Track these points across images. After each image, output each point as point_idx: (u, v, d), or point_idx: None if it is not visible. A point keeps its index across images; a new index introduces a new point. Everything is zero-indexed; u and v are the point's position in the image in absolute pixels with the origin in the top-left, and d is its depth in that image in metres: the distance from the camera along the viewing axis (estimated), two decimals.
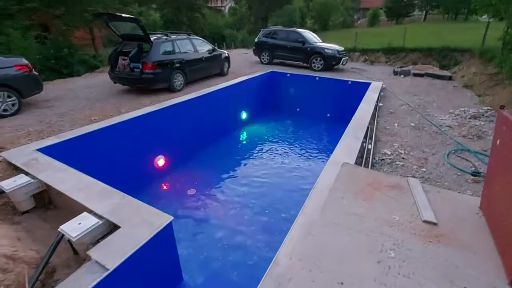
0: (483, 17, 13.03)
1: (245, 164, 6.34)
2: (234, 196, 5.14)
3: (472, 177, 3.19)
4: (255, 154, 6.83)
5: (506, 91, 6.49)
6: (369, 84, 7.59)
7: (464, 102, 6.50)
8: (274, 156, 6.76)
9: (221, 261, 3.75)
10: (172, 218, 2.40)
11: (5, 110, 5.04)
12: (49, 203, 3.26)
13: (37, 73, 5.62)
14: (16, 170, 3.30)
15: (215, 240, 4.10)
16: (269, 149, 7.13)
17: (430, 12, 37.84)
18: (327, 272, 1.47)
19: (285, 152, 7.00)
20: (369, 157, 3.62)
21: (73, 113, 5.42)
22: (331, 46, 10.71)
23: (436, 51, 12.36)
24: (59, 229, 2.32)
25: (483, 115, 5.36)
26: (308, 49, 10.66)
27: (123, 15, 6.17)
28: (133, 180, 4.76)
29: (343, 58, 10.58)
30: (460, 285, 1.45)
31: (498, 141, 1.77)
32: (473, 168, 3.38)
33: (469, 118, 5.27)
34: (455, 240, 1.73)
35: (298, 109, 9.37)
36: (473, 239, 1.76)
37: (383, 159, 3.60)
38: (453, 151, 3.87)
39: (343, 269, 1.49)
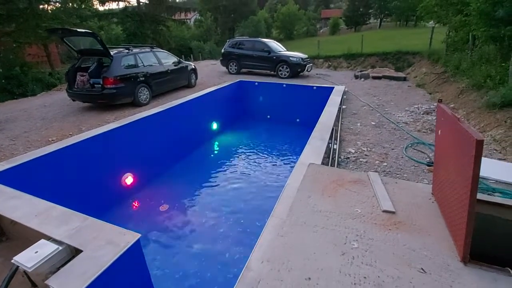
0: (430, 23, 14.39)
1: (218, 175, 6.28)
2: (209, 208, 5.05)
3: (427, 167, 3.46)
4: (228, 164, 6.80)
5: (452, 87, 7.17)
6: (332, 88, 7.97)
7: (418, 99, 7.07)
8: (247, 164, 6.78)
9: (199, 277, 3.63)
10: (139, 235, 2.30)
11: None
12: (1, 235, 2.97)
13: None
14: None
15: (191, 256, 3.97)
16: (242, 158, 7.15)
17: (384, 20, 41.03)
18: (295, 270, 1.50)
19: (258, 159, 7.06)
20: (335, 157, 3.78)
21: (27, 135, 5.04)
22: (296, 54, 11.14)
23: (391, 54, 13.39)
24: (12, 261, 2.12)
25: (434, 110, 5.86)
26: (274, 57, 10.98)
27: (79, 29, 5.94)
28: (100, 201, 4.50)
29: (307, 65, 11.04)
30: (417, 267, 1.55)
31: (439, 131, 1.95)
32: (428, 159, 3.67)
33: (422, 114, 5.72)
34: (412, 225, 1.86)
35: (268, 116, 9.54)
36: (428, 223, 1.90)
37: (348, 157, 3.78)
38: (410, 145, 4.17)
39: (310, 264, 1.53)
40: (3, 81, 10.40)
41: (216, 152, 7.83)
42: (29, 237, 2.46)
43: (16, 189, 3.05)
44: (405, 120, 5.39)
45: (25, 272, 2.12)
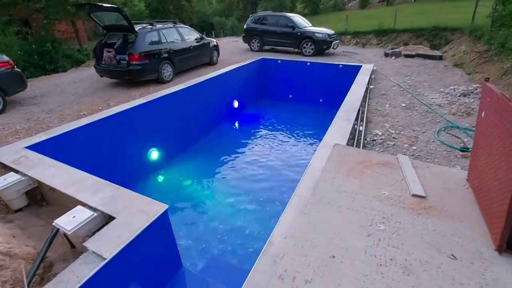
0: None
1: (240, 152, 6.35)
2: (230, 185, 5.17)
3: (461, 152, 3.25)
4: (249, 142, 6.83)
5: (495, 68, 6.53)
6: (360, 67, 7.56)
7: (454, 80, 6.54)
8: (269, 143, 6.77)
9: (220, 249, 3.80)
10: (167, 206, 2.41)
11: None
12: (41, 200, 3.24)
13: (20, 70, 5.46)
14: (5, 168, 3.25)
15: (213, 229, 4.13)
16: (263, 136, 7.14)
17: None
18: (318, 247, 1.51)
19: (279, 138, 7.02)
20: (360, 138, 3.65)
21: (61, 109, 5.32)
22: (322, 30, 10.58)
23: (427, 31, 12.31)
24: (53, 223, 2.32)
25: (472, 92, 5.41)
26: (298, 33, 10.51)
27: (105, 5, 5.97)
28: (127, 174, 4.75)
29: (334, 42, 10.48)
30: (447, 252, 1.50)
31: (483, 113, 1.79)
32: (462, 144, 3.44)
33: (458, 96, 5.31)
34: (443, 211, 1.78)
35: (290, 95, 9.33)
36: (461, 209, 1.81)
37: (375, 140, 3.64)
38: (443, 129, 3.92)
39: (335, 243, 1.53)
40: (36, 57, 10.87)
41: (237, 130, 7.87)
42: (66, 203, 2.67)
43: (53, 158, 3.28)
44: (439, 102, 5.04)
45: (64, 234, 2.32)
